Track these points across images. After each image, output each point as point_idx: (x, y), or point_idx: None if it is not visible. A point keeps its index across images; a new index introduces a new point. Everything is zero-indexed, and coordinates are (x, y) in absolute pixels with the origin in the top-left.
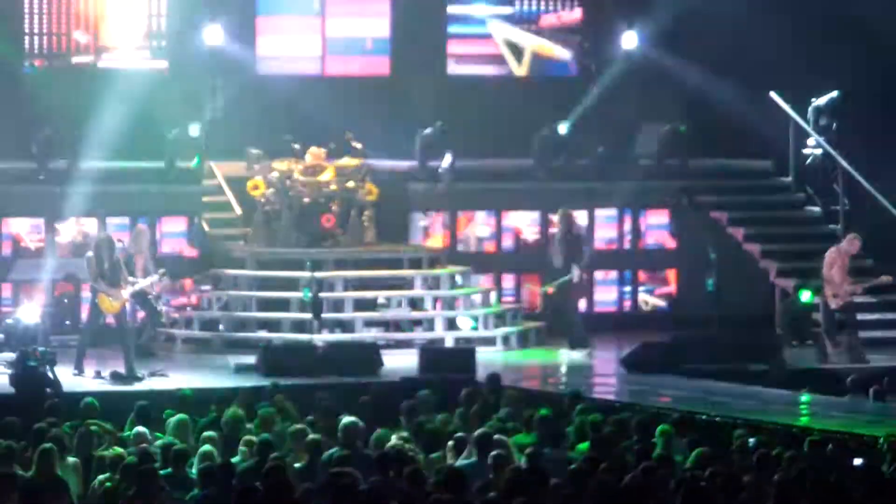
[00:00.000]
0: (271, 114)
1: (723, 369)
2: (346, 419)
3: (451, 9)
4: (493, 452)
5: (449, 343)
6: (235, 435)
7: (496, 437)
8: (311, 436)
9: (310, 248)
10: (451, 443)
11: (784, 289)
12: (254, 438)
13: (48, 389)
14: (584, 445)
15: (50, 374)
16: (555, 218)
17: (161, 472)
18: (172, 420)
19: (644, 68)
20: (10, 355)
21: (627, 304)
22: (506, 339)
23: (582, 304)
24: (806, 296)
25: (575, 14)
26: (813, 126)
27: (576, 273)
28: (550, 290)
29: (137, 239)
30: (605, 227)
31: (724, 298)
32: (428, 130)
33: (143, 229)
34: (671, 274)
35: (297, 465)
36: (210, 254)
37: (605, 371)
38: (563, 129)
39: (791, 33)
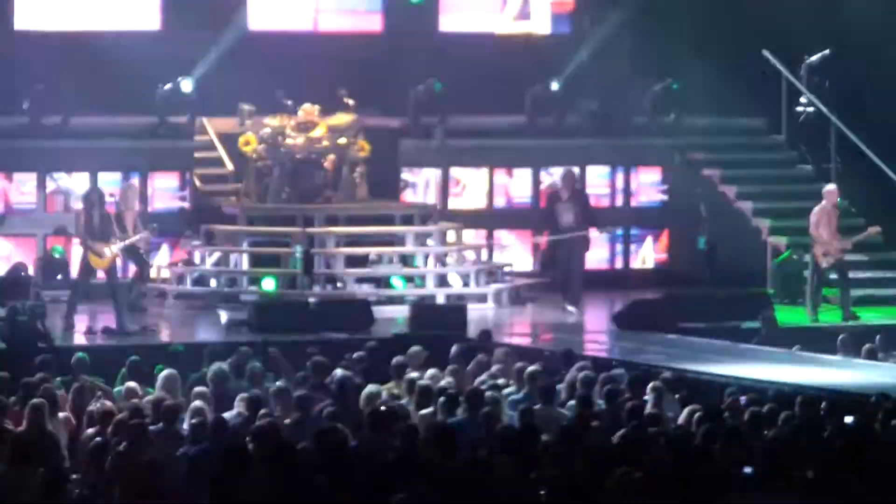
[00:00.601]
0: (264, 70)
1: (714, 327)
2: (340, 373)
3: None
4: (484, 409)
5: (440, 300)
6: (223, 390)
7: (488, 394)
8: (299, 392)
9: (301, 204)
10: (441, 399)
11: (776, 247)
12: (255, 394)
13: (39, 343)
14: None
15: (41, 328)
16: (555, 176)
17: (151, 426)
18: (162, 374)
19: (636, 25)
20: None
21: (619, 261)
22: (497, 296)
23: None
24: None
25: None
26: (805, 84)
27: (592, 231)
28: (543, 243)
29: (127, 194)
30: (597, 184)
31: (715, 256)
32: (420, 87)
33: (133, 185)
34: (663, 232)
35: (286, 421)
36: (201, 209)
37: (596, 328)
38: (554, 86)
39: None
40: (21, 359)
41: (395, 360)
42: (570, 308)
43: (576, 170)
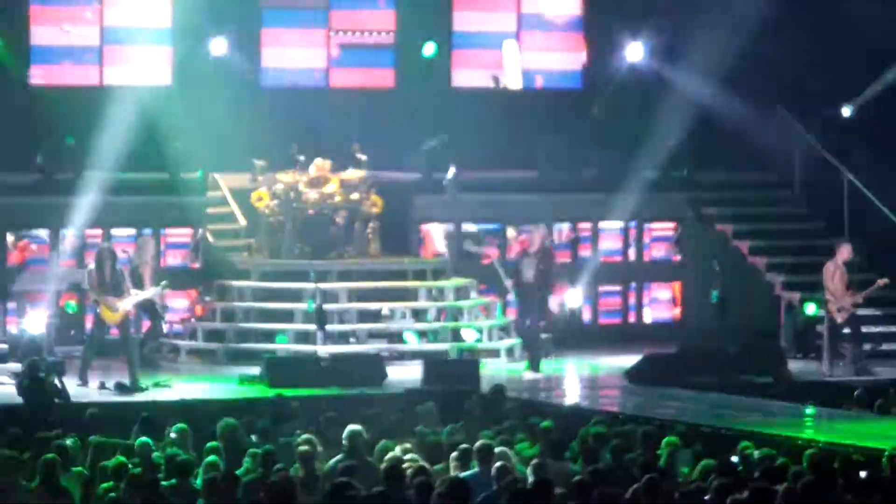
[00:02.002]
0: (276, 125)
1: (727, 381)
2: (351, 427)
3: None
4: (497, 464)
5: (453, 355)
6: (235, 445)
7: (498, 448)
8: (303, 447)
9: (314, 260)
10: (454, 454)
11: (789, 301)
12: (256, 451)
13: (56, 399)
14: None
15: (58, 384)
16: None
17: (165, 482)
18: (173, 430)
19: (648, 80)
20: (15, 366)
21: (632, 316)
22: (510, 351)
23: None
24: (811, 308)
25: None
26: (819, 139)
27: (508, 284)
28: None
29: (142, 249)
30: (609, 238)
31: (729, 311)
32: (433, 142)
33: (148, 240)
34: (676, 286)
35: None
36: (214, 265)
37: (609, 383)
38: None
39: (798, 46)
40: (38, 414)
41: (407, 415)
42: (527, 374)
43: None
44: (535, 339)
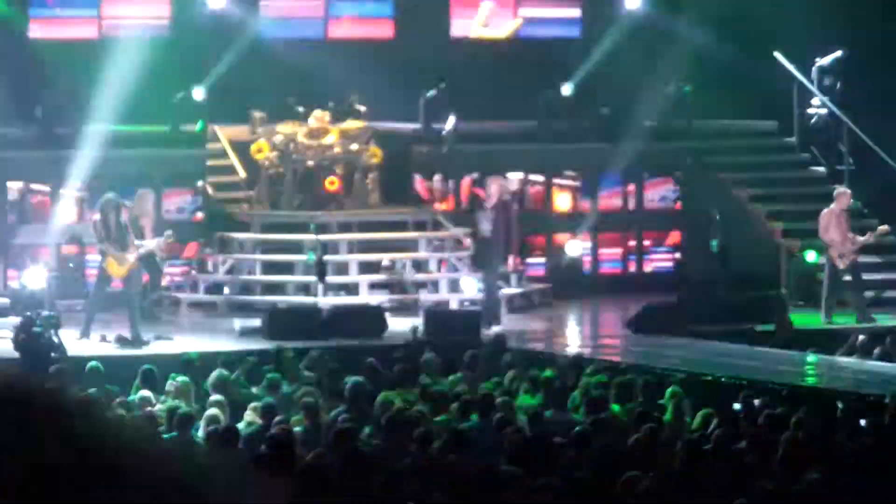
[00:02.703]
0: (275, 77)
1: (728, 330)
2: (353, 378)
3: None
4: (497, 415)
5: (453, 305)
6: (233, 397)
7: (500, 399)
8: (307, 398)
9: (314, 211)
10: (454, 405)
11: (790, 249)
12: (256, 403)
13: (53, 354)
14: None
15: (55, 339)
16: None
17: (165, 435)
18: (174, 382)
19: (647, 28)
20: (16, 320)
21: (632, 266)
22: (510, 301)
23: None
24: (811, 256)
25: None
26: (817, 86)
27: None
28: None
29: (142, 201)
30: (609, 188)
31: (729, 259)
32: (431, 92)
33: (147, 192)
34: (676, 235)
35: (297, 428)
36: (214, 217)
37: (610, 333)
38: (566, 90)
39: None
40: (35, 369)
41: (409, 366)
42: (486, 329)
43: (511, 178)
44: (489, 295)
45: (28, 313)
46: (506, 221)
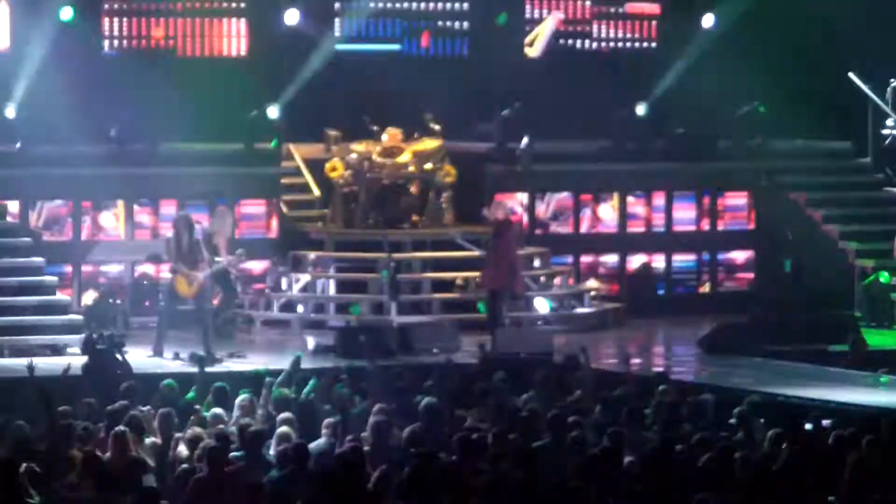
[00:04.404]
0: (350, 95)
1: (801, 350)
2: (427, 399)
3: None
4: (572, 434)
5: (527, 324)
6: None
7: (571, 418)
8: (375, 417)
9: (388, 230)
10: (526, 423)
11: (863, 269)
12: (330, 420)
13: (118, 371)
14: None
15: (119, 357)
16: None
17: (236, 453)
18: (238, 399)
19: (722, 47)
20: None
21: (706, 285)
22: (583, 320)
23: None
24: (885, 276)
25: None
26: (892, 106)
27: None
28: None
29: (221, 219)
30: (683, 208)
31: (802, 279)
32: (506, 111)
33: (225, 210)
34: (749, 255)
35: (366, 448)
36: (288, 235)
37: (683, 352)
38: (641, 109)
39: (873, 12)
40: (98, 387)
41: (481, 385)
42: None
43: (508, 203)
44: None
45: (91, 333)
46: (505, 242)
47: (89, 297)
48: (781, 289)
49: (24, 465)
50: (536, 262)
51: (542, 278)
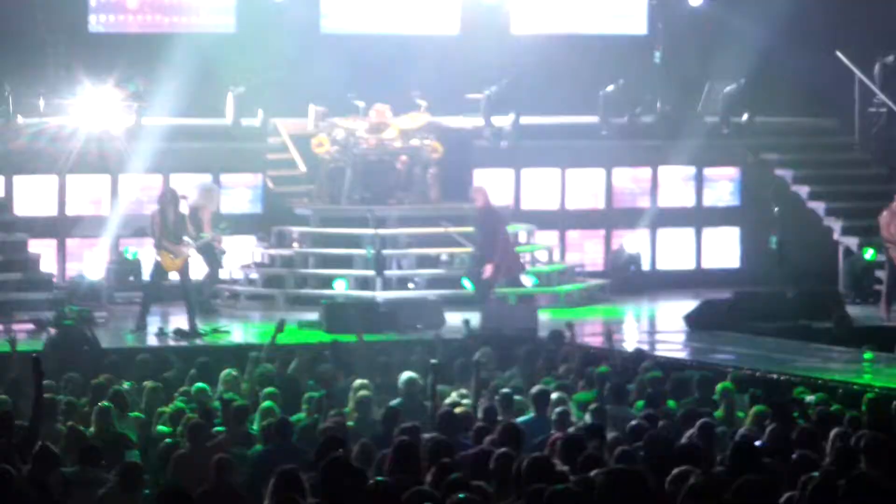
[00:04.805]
0: (337, 71)
1: (785, 327)
2: (407, 374)
3: None
4: (558, 409)
5: (511, 301)
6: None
7: (555, 394)
8: (360, 392)
9: (373, 206)
10: (510, 399)
11: (848, 247)
12: (314, 395)
13: (85, 347)
14: (641, 403)
15: (87, 332)
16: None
17: (220, 428)
18: (222, 375)
19: (710, 25)
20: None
21: (691, 261)
22: (569, 296)
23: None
24: (869, 253)
25: None
26: (879, 84)
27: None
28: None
29: (209, 195)
30: (669, 184)
31: (787, 256)
32: (493, 88)
33: (211, 184)
34: (735, 231)
35: (349, 423)
36: (273, 211)
37: (668, 328)
38: (628, 86)
39: None
40: (65, 363)
41: (465, 360)
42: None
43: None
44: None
45: (60, 308)
46: (489, 229)
47: (73, 272)
48: (767, 265)
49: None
50: (522, 238)
51: (528, 255)
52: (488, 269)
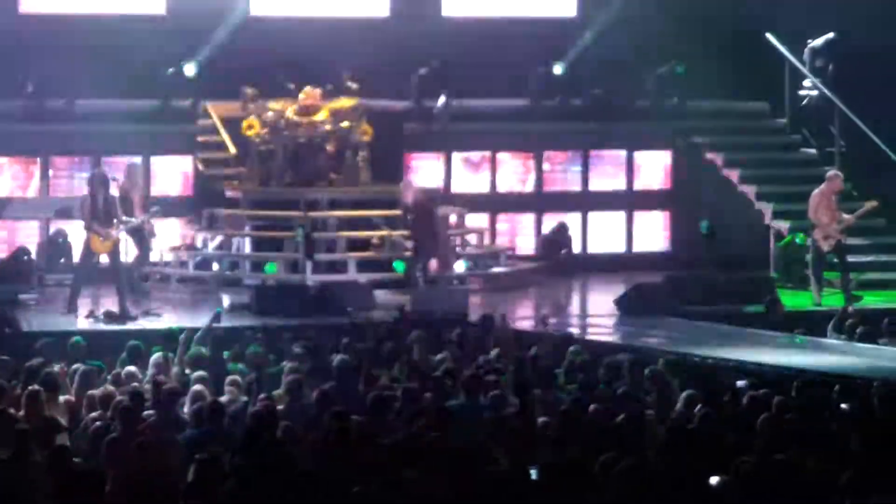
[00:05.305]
0: (268, 54)
1: (717, 311)
2: (339, 357)
3: None
4: (492, 393)
5: (443, 284)
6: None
7: (489, 376)
8: (291, 375)
9: (304, 188)
10: (440, 383)
11: (779, 231)
12: (239, 379)
13: (6, 329)
14: (573, 387)
15: (7, 314)
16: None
17: (150, 410)
18: (153, 357)
19: (640, 7)
20: None
21: (622, 245)
22: (498, 279)
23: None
24: (800, 238)
25: None
26: (809, 67)
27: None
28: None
29: (132, 174)
30: (601, 168)
31: (718, 240)
32: (423, 71)
33: (137, 164)
34: (666, 216)
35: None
36: (204, 193)
37: (598, 312)
38: (558, 69)
39: None
40: None
41: (395, 344)
42: None
43: (420, 184)
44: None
45: None
46: (426, 224)
47: (2, 254)
48: (697, 249)
49: None
50: (452, 220)
51: (458, 238)
52: (433, 264)
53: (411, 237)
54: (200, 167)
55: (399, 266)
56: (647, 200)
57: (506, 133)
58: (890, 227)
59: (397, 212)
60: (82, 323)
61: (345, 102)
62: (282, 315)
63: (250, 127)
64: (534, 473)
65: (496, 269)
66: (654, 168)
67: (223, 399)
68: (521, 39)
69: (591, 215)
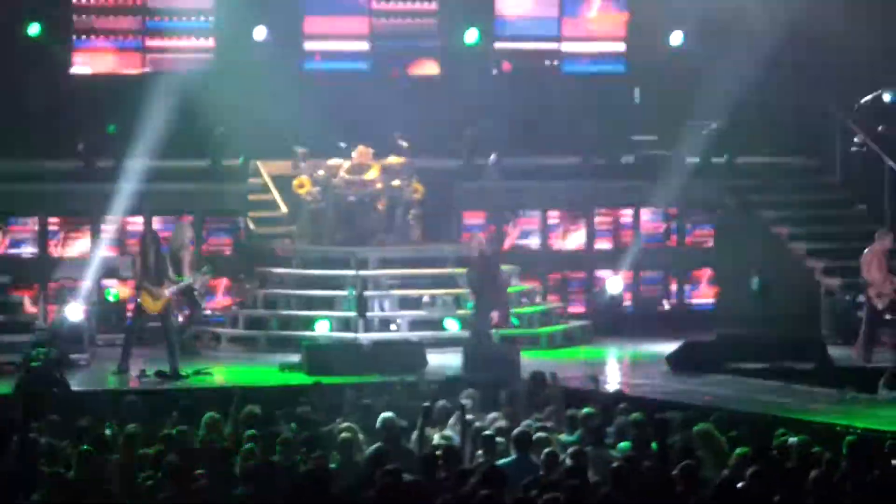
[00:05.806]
0: (318, 112)
1: (768, 368)
2: (385, 414)
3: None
4: (546, 450)
5: (494, 342)
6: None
7: (537, 435)
8: (344, 435)
9: (355, 247)
10: (492, 441)
11: (829, 287)
12: (290, 437)
13: (55, 389)
14: (625, 444)
15: (56, 374)
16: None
17: (202, 469)
18: (204, 418)
19: (690, 65)
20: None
21: (673, 302)
22: (551, 338)
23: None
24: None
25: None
26: (859, 125)
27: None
28: None
29: (180, 233)
30: (650, 225)
31: (769, 297)
32: (471, 129)
33: (184, 224)
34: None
35: (332, 465)
36: (255, 252)
37: (649, 370)
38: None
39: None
40: (34, 404)
41: (447, 402)
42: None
43: (481, 235)
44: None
45: (28, 350)
46: (489, 276)
47: (55, 314)
48: (748, 306)
49: None
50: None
51: (514, 296)
52: (496, 317)
53: (473, 289)
54: (252, 226)
55: (451, 324)
56: (696, 257)
57: (555, 190)
58: None
59: (447, 270)
60: (134, 382)
61: (396, 160)
62: (334, 373)
63: (301, 185)
64: None
65: (548, 328)
66: (703, 225)
67: (274, 458)
68: (572, 95)
69: (643, 273)
